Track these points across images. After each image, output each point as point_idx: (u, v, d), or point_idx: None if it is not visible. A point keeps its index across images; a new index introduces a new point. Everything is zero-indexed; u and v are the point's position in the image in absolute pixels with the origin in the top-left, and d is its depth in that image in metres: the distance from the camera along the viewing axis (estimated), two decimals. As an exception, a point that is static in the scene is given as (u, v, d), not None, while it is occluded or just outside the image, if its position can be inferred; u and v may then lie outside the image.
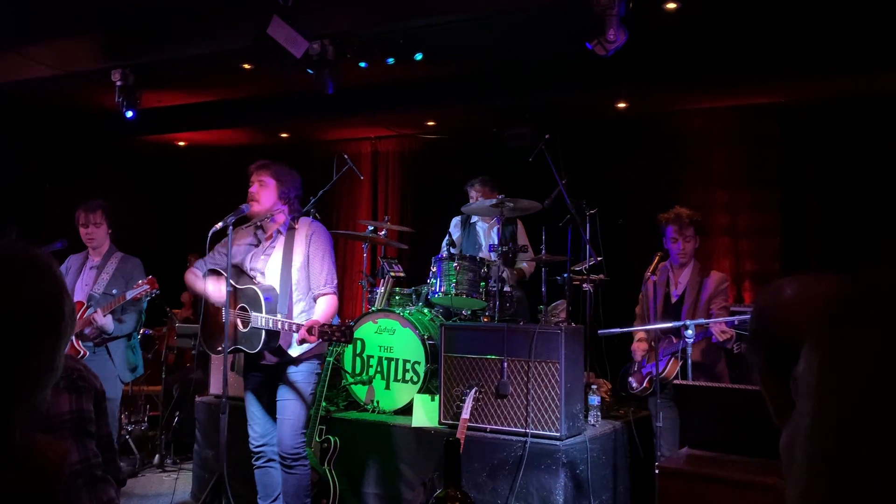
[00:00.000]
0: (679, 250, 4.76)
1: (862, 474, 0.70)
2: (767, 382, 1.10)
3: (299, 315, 4.07)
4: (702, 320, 4.43)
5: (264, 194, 4.05)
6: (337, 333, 3.73)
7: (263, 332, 3.86)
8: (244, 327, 3.96)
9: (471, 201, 5.84)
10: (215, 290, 4.06)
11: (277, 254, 4.09)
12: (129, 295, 4.65)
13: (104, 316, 4.63)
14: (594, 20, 4.45)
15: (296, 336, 3.87)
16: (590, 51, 4.51)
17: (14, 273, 0.93)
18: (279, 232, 4.12)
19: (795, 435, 0.80)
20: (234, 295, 4.01)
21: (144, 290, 4.67)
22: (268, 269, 4.09)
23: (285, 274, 4.04)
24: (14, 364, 0.91)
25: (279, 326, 3.85)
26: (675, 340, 4.61)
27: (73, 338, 4.67)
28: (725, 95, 6.80)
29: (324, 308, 4.05)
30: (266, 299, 3.90)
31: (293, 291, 4.06)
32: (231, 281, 3.98)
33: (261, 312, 3.87)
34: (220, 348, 4.01)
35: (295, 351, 4.01)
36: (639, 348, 4.85)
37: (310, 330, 3.75)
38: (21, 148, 7.77)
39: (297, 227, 4.13)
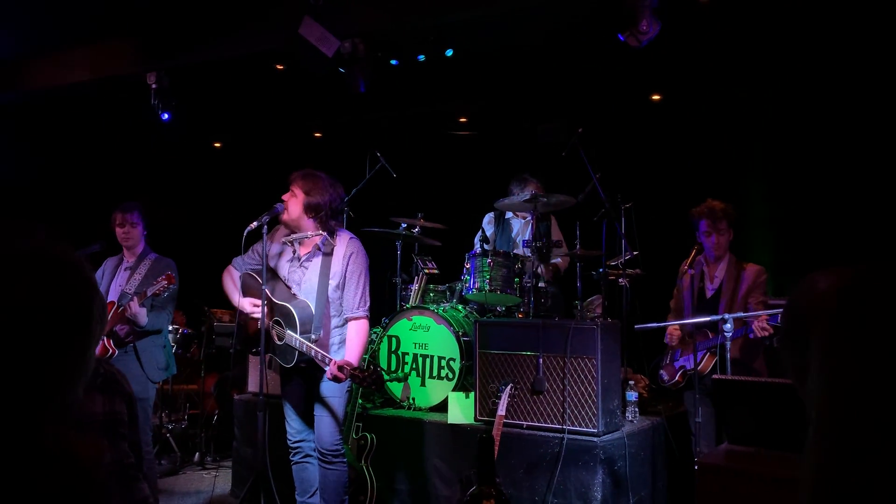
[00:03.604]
0: (713, 244, 4.70)
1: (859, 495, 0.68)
2: (801, 379, 1.06)
3: (334, 330, 4.11)
4: (741, 314, 4.35)
5: (292, 204, 4.07)
6: (368, 380, 3.81)
7: (297, 351, 3.92)
8: (279, 340, 4.00)
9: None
10: (249, 307, 4.10)
11: (315, 269, 4.09)
12: (150, 291, 4.71)
13: (140, 305, 4.69)
14: (627, 11, 4.41)
15: (326, 370, 3.90)
16: (623, 42, 4.46)
17: (42, 271, 0.93)
18: (317, 248, 4.11)
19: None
20: (269, 306, 4.04)
21: (163, 286, 4.73)
22: (304, 282, 4.10)
23: (321, 291, 4.04)
24: (43, 363, 0.91)
25: (311, 354, 3.90)
26: (710, 335, 4.53)
27: (105, 337, 4.73)
28: (756, 85, 6.67)
29: (355, 338, 4.07)
30: (300, 318, 3.93)
31: (329, 309, 4.09)
32: (266, 288, 4.01)
33: (295, 331, 3.91)
34: (256, 350, 4.05)
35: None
36: (674, 333, 4.78)
37: (341, 369, 3.81)
38: (58, 151, 7.91)
39: (335, 243, 4.12)
